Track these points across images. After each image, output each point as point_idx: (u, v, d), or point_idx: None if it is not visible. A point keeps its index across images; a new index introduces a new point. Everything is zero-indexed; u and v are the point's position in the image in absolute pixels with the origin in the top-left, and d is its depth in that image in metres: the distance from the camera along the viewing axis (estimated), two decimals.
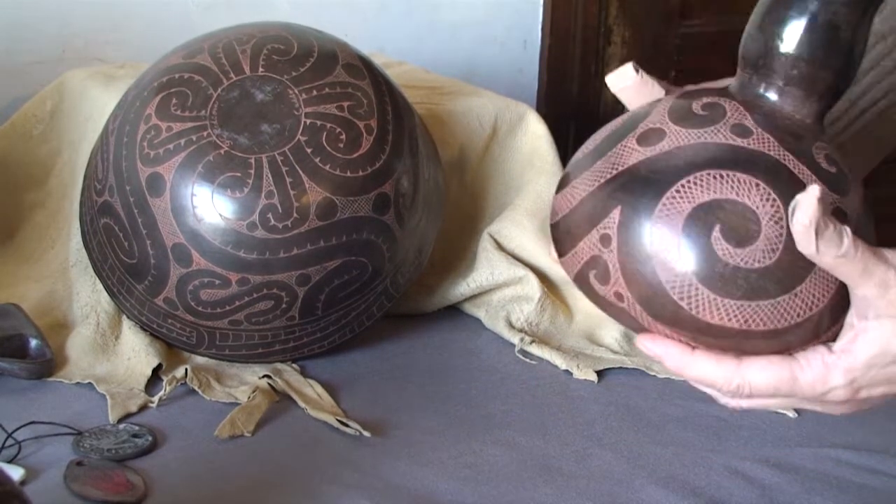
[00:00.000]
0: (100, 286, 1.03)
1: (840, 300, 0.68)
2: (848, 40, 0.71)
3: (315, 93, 0.96)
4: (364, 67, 1.00)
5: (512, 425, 0.93)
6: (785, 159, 0.68)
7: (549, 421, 0.94)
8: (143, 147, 0.95)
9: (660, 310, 0.67)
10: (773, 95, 0.72)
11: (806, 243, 0.65)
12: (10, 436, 0.85)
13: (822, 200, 0.64)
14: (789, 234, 0.66)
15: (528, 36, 1.68)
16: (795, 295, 0.66)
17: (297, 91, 0.96)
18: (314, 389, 0.96)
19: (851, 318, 0.67)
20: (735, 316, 0.66)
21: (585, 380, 1.01)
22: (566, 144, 1.73)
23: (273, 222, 0.92)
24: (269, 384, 0.95)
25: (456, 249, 1.17)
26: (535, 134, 1.19)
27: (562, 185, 0.73)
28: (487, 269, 1.11)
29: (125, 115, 0.98)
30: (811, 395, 0.68)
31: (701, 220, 0.66)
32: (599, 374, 1.01)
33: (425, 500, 0.81)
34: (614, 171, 0.69)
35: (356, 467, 0.85)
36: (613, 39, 1.75)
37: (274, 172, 0.93)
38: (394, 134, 0.98)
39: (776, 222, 0.66)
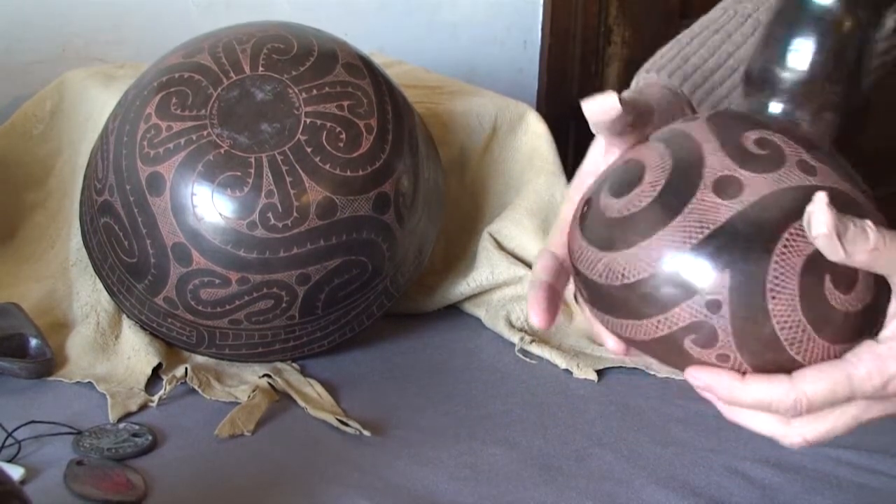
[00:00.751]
0: (100, 285, 1.03)
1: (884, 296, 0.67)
2: (861, 54, 0.72)
3: (315, 92, 0.96)
4: (364, 67, 1.00)
5: (512, 425, 0.93)
6: (843, 187, 0.69)
7: (549, 421, 0.94)
8: (143, 146, 0.95)
9: (770, 365, 0.66)
10: (806, 122, 0.72)
11: (832, 251, 0.64)
12: (10, 435, 0.85)
13: (831, 205, 0.64)
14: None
15: (528, 36, 1.69)
16: (867, 310, 0.67)
17: (297, 90, 0.96)
18: (314, 389, 0.96)
19: (895, 306, 0.66)
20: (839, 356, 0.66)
21: (585, 379, 1.01)
22: (566, 144, 1.73)
23: (273, 221, 0.92)
24: (269, 383, 0.95)
25: (456, 249, 1.17)
26: (535, 134, 1.19)
27: (618, 243, 0.69)
28: (487, 268, 1.11)
29: (125, 115, 0.98)
30: (871, 391, 0.65)
31: (812, 272, 0.66)
32: (599, 373, 1.01)
33: (425, 500, 0.81)
34: (706, 231, 0.66)
35: (356, 467, 0.85)
36: (613, 39, 1.75)
37: (274, 172, 0.93)
38: (394, 133, 0.98)
39: None
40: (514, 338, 1.06)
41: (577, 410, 0.96)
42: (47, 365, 0.95)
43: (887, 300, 0.67)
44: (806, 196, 0.66)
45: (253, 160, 0.93)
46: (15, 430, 0.86)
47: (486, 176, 1.19)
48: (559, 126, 1.63)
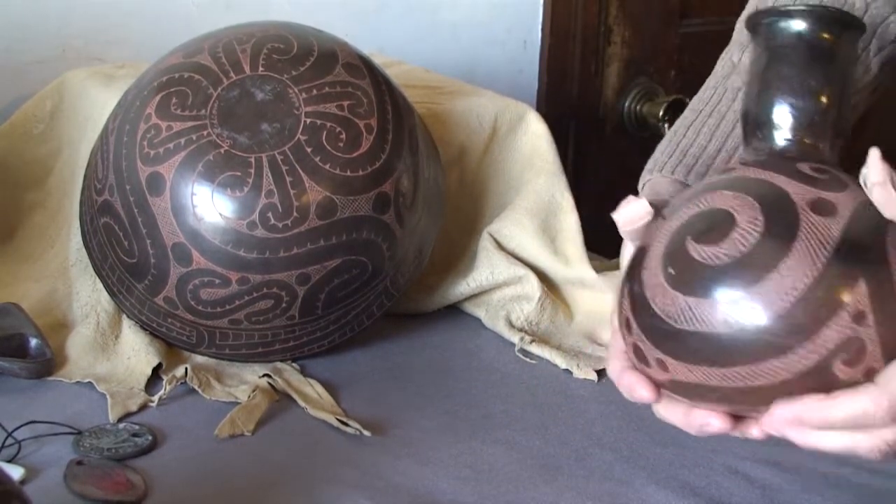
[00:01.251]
0: (100, 285, 1.03)
1: None
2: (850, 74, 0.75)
3: (315, 92, 0.96)
4: (364, 67, 1.00)
5: (512, 425, 0.93)
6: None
7: (549, 421, 0.94)
8: (143, 146, 0.95)
9: None
10: (826, 150, 0.73)
11: (888, 199, 0.65)
12: (9, 435, 0.85)
13: (884, 159, 0.65)
14: None
15: (528, 36, 1.68)
16: None
17: (297, 90, 0.96)
18: (314, 389, 0.96)
19: None
20: None
21: (585, 379, 1.01)
22: (566, 144, 1.73)
23: (273, 221, 0.92)
24: (269, 383, 0.95)
25: (456, 249, 1.17)
26: (535, 134, 1.19)
27: (739, 284, 0.66)
28: (487, 268, 1.11)
29: (125, 115, 0.98)
30: None
31: None
32: (599, 373, 1.01)
33: (425, 500, 0.81)
34: (830, 247, 0.66)
35: (356, 467, 0.85)
36: (613, 39, 1.74)
37: (274, 172, 0.93)
38: (394, 133, 0.98)
39: None
40: (514, 338, 1.06)
41: (577, 410, 0.96)
42: (47, 365, 0.95)
43: None
44: (872, 204, 0.68)
45: (253, 160, 0.93)
46: (15, 430, 0.86)
47: (486, 176, 1.19)
48: (559, 126, 1.63)
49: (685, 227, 0.70)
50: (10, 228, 1.18)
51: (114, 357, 0.99)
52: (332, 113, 0.95)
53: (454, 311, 1.14)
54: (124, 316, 1.01)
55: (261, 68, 0.96)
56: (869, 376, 0.65)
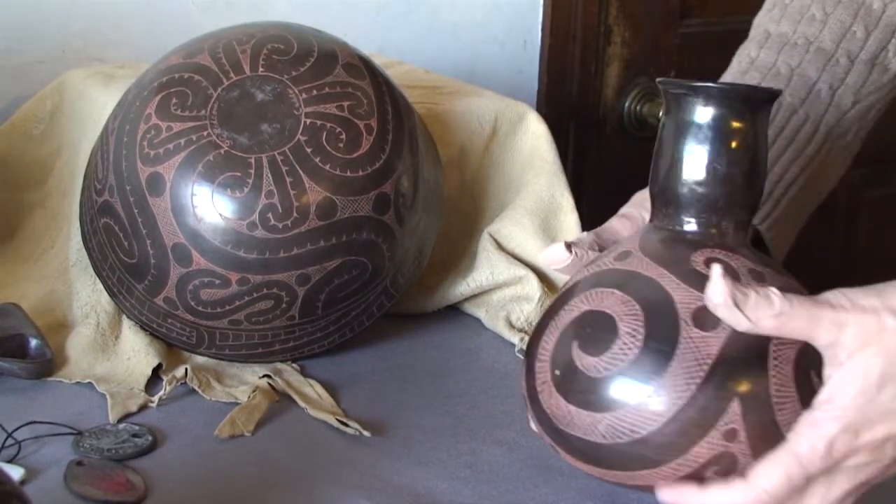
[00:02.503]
0: (100, 286, 1.03)
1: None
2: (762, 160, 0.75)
3: (315, 92, 0.96)
4: (364, 67, 1.00)
5: (512, 425, 0.93)
6: (789, 283, 0.73)
7: None
8: (143, 147, 0.95)
9: None
10: (731, 230, 0.74)
11: (735, 319, 0.66)
12: (9, 435, 0.85)
13: (725, 276, 0.65)
14: None
15: (528, 36, 1.68)
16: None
17: (297, 91, 0.96)
18: (314, 389, 0.96)
19: (827, 370, 0.67)
20: None
21: None
22: (566, 144, 1.73)
23: (273, 222, 0.92)
24: (269, 384, 0.95)
25: (456, 249, 1.17)
26: (535, 134, 1.19)
27: (614, 402, 0.69)
28: (487, 268, 1.11)
29: (125, 115, 0.98)
30: (819, 462, 0.66)
31: (801, 373, 0.69)
32: None
33: (425, 500, 0.81)
34: (706, 367, 0.68)
35: (356, 467, 0.85)
36: (613, 39, 1.75)
37: (274, 172, 0.93)
38: (394, 134, 0.98)
39: None
40: (515, 338, 1.06)
41: None
42: (47, 365, 0.96)
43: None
44: None
45: (253, 160, 0.93)
46: (15, 430, 0.86)
47: (486, 176, 1.19)
48: (559, 126, 1.63)
49: (574, 327, 0.72)
50: (10, 229, 1.18)
51: (114, 357, 0.99)
52: (332, 113, 0.95)
53: (454, 311, 1.14)
54: (124, 316, 1.01)
55: (261, 69, 0.96)
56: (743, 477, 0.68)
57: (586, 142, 1.77)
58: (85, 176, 1.06)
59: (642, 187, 0.84)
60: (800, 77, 0.92)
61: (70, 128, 1.18)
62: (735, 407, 0.67)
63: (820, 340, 0.66)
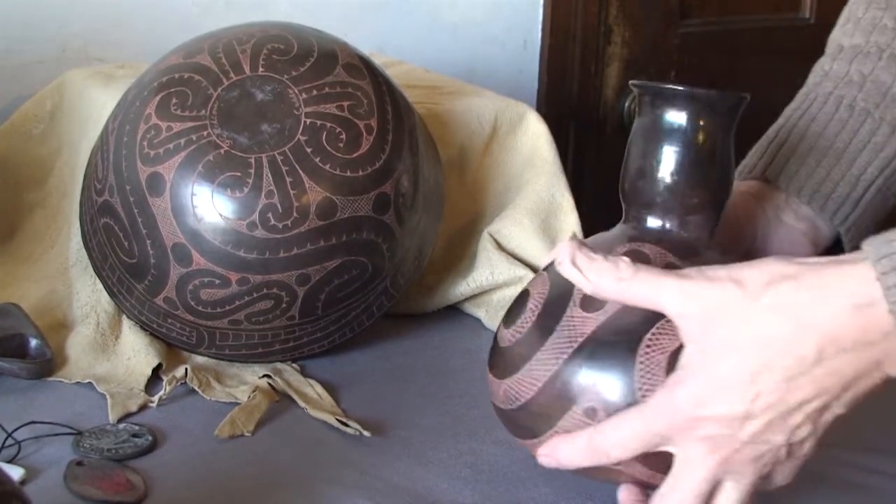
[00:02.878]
0: (100, 286, 1.03)
1: None
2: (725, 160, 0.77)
3: (315, 92, 0.96)
4: (364, 67, 1.00)
5: None
6: None
7: None
8: (143, 147, 0.95)
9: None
10: (675, 227, 0.76)
11: (578, 280, 0.69)
12: (9, 435, 0.85)
13: (572, 242, 0.69)
14: None
15: (528, 36, 1.69)
16: None
17: (297, 91, 0.96)
18: (314, 389, 0.96)
19: (682, 341, 0.69)
20: None
21: None
22: (566, 144, 1.73)
23: (273, 222, 0.92)
24: (269, 384, 0.95)
25: (456, 249, 1.17)
26: (535, 134, 1.19)
27: (509, 369, 0.74)
28: (487, 268, 1.11)
29: (125, 115, 0.98)
30: (664, 421, 0.68)
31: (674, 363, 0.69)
32: None
33: (425, 500, 0.81)
34: (574, 344, 0.71)
35: (356, 467, 0.85)
36: (613, 39, 1.75)
37: (274, 172, 0.93)
38: (394, 134, 0.98)
39: None
40: None
41: None
42: (47, 365, 0.96)
43: None
44: None
45: (253, 160, 0.93)
46: (15, 430, 0.86)
47: (486, 176, 1.19)
48: (559, 126, 1.63)
49: (513, 302, 0.79)
50: (10, 229, 1.18)
51: (114, 357, 0.99)
52: (332, 113, 0.95)
53: (454, 311, 1.14)
54: (124, 316, 1.01)
55: (261, 68, 0.96)
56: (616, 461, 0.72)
57: (586, 142, 1.77)
58: (85, 176, 1.06)
59: None
60: (873, 83, 0.93)
61: (70, 128, 1.18)
62: (594, 386, 0.70)
63: (668, 309, 0.68)
